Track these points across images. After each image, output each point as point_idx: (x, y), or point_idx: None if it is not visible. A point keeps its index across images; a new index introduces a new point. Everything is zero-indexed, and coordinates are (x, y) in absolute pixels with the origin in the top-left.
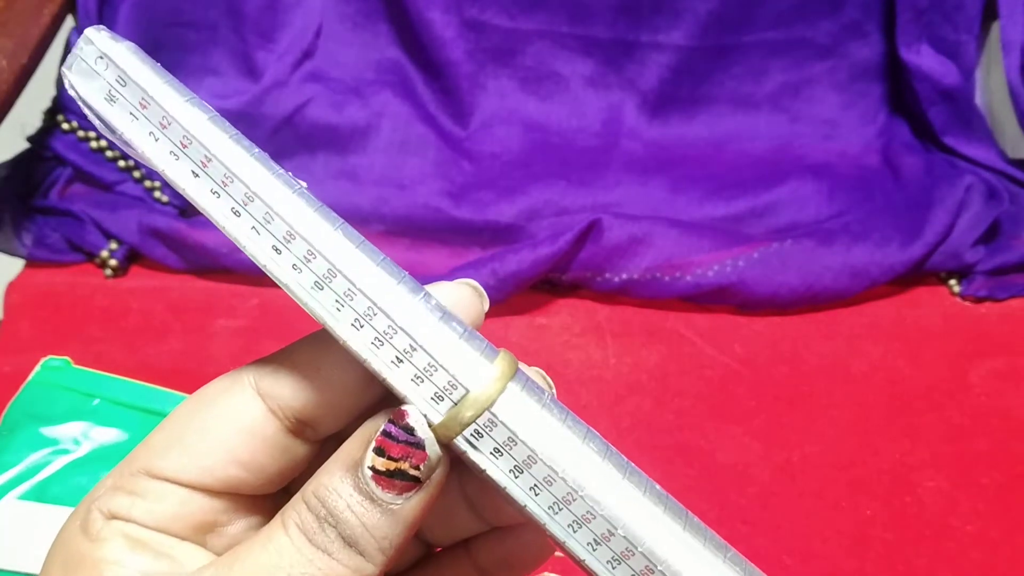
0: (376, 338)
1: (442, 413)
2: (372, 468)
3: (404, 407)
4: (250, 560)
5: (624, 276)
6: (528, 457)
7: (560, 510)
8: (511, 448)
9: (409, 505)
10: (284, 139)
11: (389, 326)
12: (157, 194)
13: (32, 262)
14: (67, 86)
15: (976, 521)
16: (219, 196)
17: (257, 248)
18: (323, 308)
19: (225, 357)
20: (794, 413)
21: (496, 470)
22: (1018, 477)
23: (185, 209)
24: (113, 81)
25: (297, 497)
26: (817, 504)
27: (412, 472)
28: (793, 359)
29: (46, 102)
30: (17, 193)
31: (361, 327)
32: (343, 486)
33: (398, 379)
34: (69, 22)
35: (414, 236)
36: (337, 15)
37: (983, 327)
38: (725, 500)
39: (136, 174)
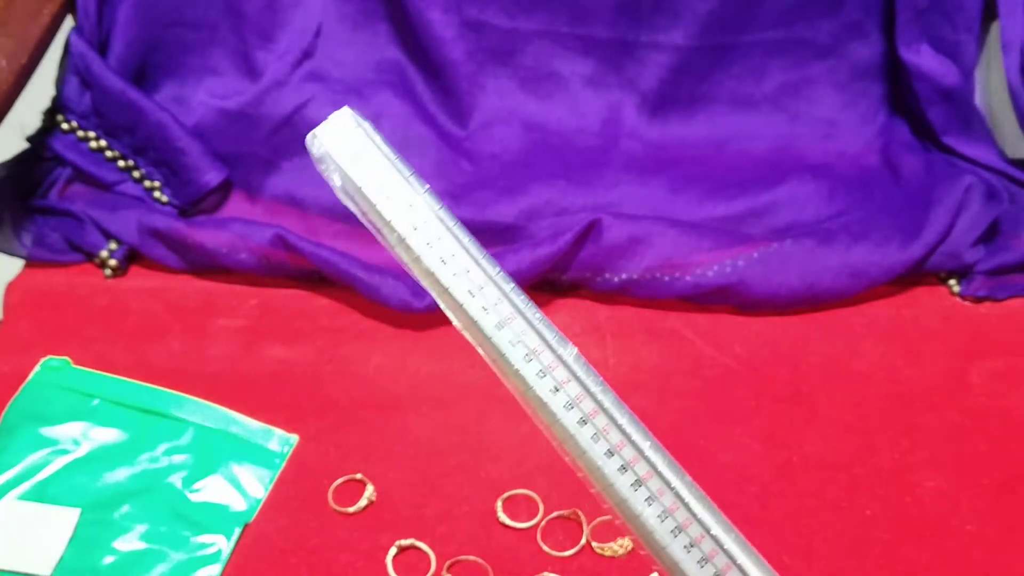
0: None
1: None
2: None
3: None
4: None
5: (624, 276)
6: None
7: None
8: None
9: None
10: (284, 139)
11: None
12: (157, 194)
13: (32, 262)
14: (317, 144)
15: (976, 521)
16: (431, 247)
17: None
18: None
19: (225, 357)
20: (794, 413)
21: None
22: (1018, 477)
23: (185, 209)
24: (361, 147)
25: None
26: (817, 504)
27: None
28: (793, 359)
29: (46, 102)
30: (17, 193)
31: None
32: None
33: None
34: (69, 22)
35: None
36: (337, 15)
37: (983, 327)
38: (725, 500)
39: (136, 174)
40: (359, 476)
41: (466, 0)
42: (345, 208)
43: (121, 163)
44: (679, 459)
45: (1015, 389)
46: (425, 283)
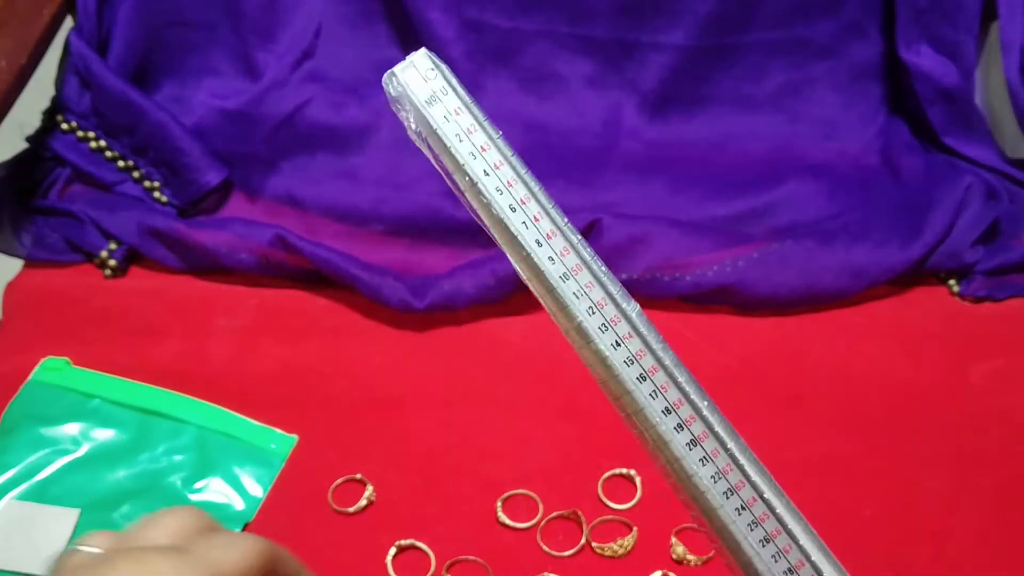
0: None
1: None
2: None
3: None
4: None
5: (624, 276)
6: None
7: None
8: None
9: None
10: (284, 139)
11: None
12: (156, 194)
13: (32, 262)
14: (394, 84)
15: (976, 521)
16: (502, 194)
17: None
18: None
19: (224, 357)
20: (794, 413)
21: None
22: (1018, 477)
23: (185, 209)
24: (438, 89)
25: None
26: (817, 504)
27: None
28: (793, 359)
29: (45, 102)
30: (17, 193)
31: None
32: None
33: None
34: (68, 22)
35: (414, 236)
36: (337, 15)
37: (983, 327)
38: None
39: (136, 174)
40: (359, 476)
41: (466, 0)
42: (345, 208)
43: (121, 163)
44: None
45: (1015, 389)
46: (493, 231)
